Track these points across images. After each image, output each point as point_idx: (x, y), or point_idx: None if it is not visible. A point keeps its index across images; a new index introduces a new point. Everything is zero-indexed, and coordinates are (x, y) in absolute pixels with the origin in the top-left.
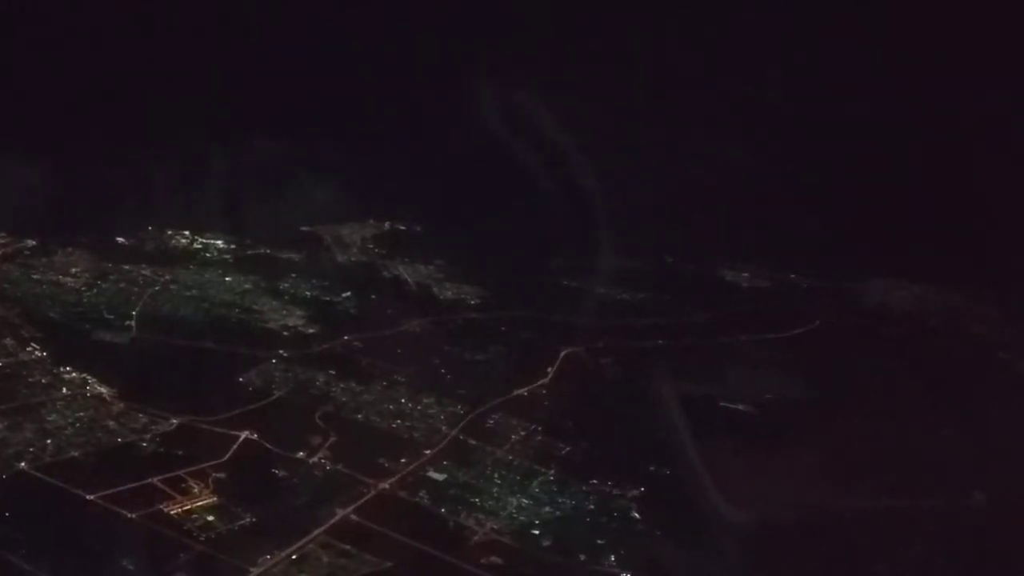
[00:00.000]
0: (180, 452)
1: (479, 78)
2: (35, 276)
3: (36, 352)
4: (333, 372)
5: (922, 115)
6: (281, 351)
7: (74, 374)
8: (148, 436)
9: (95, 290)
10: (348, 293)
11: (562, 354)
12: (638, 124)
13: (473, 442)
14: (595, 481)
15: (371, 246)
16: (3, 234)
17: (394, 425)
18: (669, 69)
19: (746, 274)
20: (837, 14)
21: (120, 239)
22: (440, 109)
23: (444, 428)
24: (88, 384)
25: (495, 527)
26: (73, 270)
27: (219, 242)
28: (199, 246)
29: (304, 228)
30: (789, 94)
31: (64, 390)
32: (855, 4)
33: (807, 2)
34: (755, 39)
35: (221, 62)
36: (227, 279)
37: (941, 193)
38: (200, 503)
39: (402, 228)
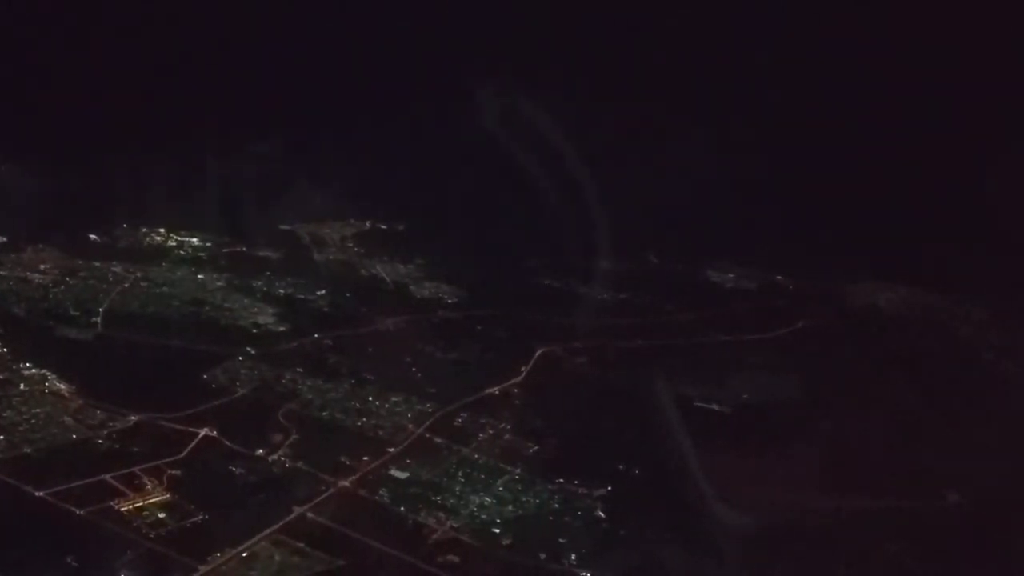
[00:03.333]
0: (136, 449)
1: (469, 82)
2: (2, 273)
3: None
4: (300, 370)
5: (909, 119)
6: (249, 348)
7: (34, 370)
8: (104, 433)
9: (63, 287)
10: (323, 291)
11: (537, 353)
12: (625, 126)
13: (439, 440)
14: (562, 480)
15: (351, 245)
16: None
17: (359, 423)
18: (657, 72)
19: (732, 275)
20: (825, 17)
21: (93, 236)
22: (429, 112)
23: (410, 426)
24: (47, 380)
25: (455, 525)
26: (42, 267)
27: (195, 240)
28: (174, 244)
29: (283, 227)
30: (778, 97)
31: (22, 386)
32: (845, 6)
33: (798, 5)
34: (745, 43)
35: (210, 62)
36: (200, 277)
37: (929, 196)
38: (152, 500)
39: (383, 227)
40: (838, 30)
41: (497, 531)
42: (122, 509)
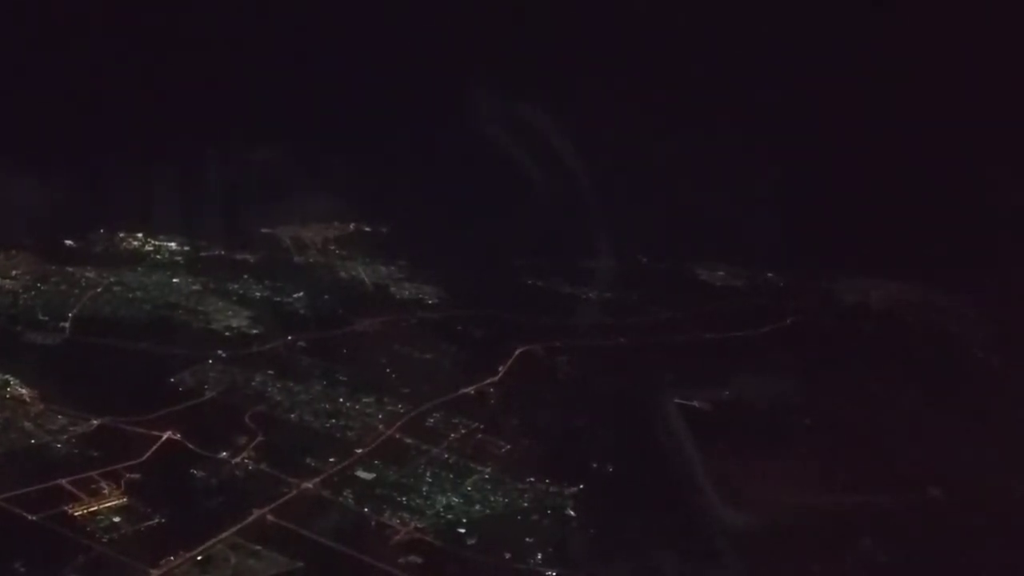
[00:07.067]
0: (95, 453)
1: (458, 83)
2: None
3: None
4: (271, 372)
5: (900, 115)
6: (220, 351)
7: None
8: (64, 437)
9: (33, 292)
10: (300, 294)
11: (516, 352)
12: (613, 124)
13: (409, 441)
14: (532, 479)
15: (332, 247)
16: None
17: (328, 425)
18: (644, 70)
19: (721, 272)
20: (815, 14)
21: (68, 241)
22: (416, 113)
23: (380, 427)
24: (9, 386)
25: (420, 526)
26: (14, 272)
27: (172, 244)
28: (151, 248)
29: (264, 230)
30: (768, 94)
31: None
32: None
33: (788, 6)
34: (733, 41)
35: (196, 65)
36: (175, 280)
37: (921, 192)
38: (108, 504)
39: (367, 229)
40: (827, 26)
41: (463, 531)
42: (76, 514)
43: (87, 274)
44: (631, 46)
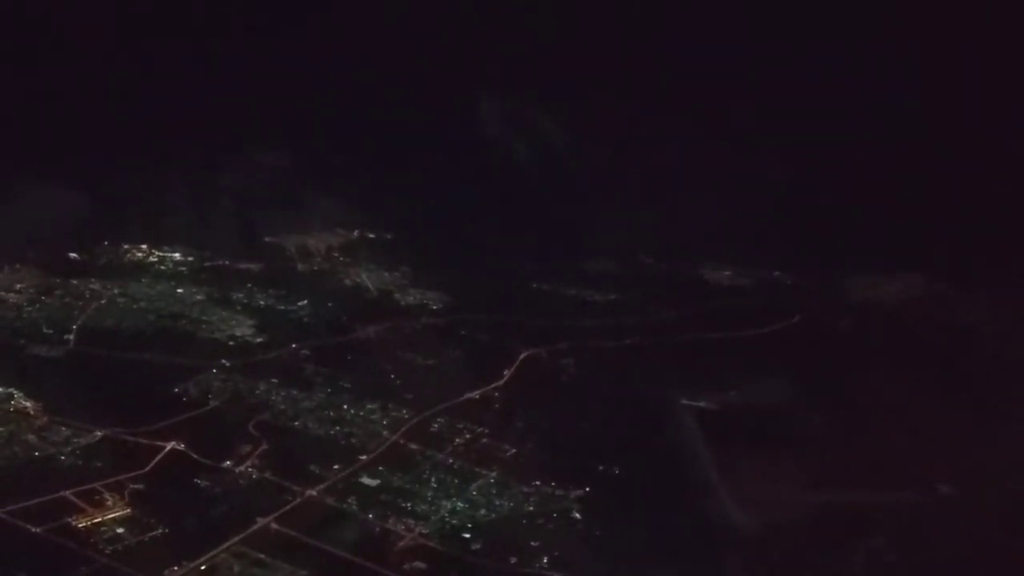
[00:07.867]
0: (99, 464)
1: (462, 87)
2: None
3: None
4: (275, 380)
5: (904, 109)
6: (224, 361)
7: (0, 389)
8: (68, 449)
9: (37, 305)
10: (304, 302)
11: (521, 356)
12: (616, 125)
13: (414, 447)
14: (538, 482)
15: (336, 255)
16: None
17: (332, 432)
18: (645, 69)
19: (727, 273)
20: (818, 14)
21: (72, 254)
22: (422, 119)
23: (385, 433)
24: (13, 399)
25: (424, 531)
26: (18, 286)
27: (176, 254)
28: (155, 259)
29: (268, 238)
30: (770, 90)
31: None
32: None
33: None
34: (736, 40)
35: (196, 75)
36: (179, 291)
37: (927, 187)
38: (112, 515)
39: (371, 236)
40: (830, 24)
41: (468, 536)
42: (79, 525)
43: (91, 286)
44: (633, 46)
